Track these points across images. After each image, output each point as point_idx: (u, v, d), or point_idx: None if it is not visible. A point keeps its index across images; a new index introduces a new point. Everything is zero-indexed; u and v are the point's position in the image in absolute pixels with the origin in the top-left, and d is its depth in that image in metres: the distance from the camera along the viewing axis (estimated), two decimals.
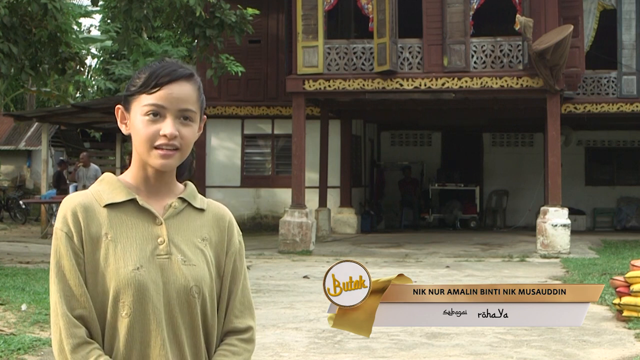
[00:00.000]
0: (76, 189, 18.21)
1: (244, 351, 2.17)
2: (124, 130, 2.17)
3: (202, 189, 19.63)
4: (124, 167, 21.98)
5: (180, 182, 2.25)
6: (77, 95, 29.28)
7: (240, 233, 2.28)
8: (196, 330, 2.11)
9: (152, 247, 2.09)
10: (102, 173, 2.32)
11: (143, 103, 2.10)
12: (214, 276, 2.16)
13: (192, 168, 2.32)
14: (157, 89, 2.09)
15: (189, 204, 2.19)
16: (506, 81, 16.16)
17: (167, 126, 2.08)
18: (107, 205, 2.10)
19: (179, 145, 2.10)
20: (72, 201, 2.11)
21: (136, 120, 2.11)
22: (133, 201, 2.12)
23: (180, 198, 2.18)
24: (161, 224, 2.12)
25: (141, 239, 2.09)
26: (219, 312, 2.17)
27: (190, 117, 2.13)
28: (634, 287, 8.36)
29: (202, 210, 2.21)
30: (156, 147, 2.09)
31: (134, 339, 2.04)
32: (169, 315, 2.08)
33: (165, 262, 2.09)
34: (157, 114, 2.09)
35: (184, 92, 2.12)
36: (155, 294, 2.06)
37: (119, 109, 2.19)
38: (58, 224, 2.09)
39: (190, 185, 2.25)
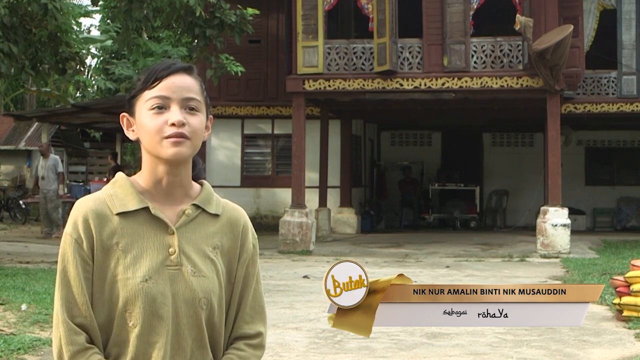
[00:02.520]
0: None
1: (251, 356, 2.15)
2: (131, 136, 2.15)
3: None
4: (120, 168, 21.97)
5: (196, 182, 2.21)
6: (77, 95, 29.26)
7: (255, 236, 2.25)
8: (203, 342, 2.10)
9: (163, 258, 2.07)
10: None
11: (146, 98, 2.09)
12: (224, 285, 2.13)
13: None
14: (157, 82, 2.09)
15: (203, 210, 2.15)
16: (506, 81, 16.15)
17: (174, 114, 2.07)
18: (119, 214, 2.08)
19: (188, 135, 2.07)
20: (84, 206, 2.08)
21: (142, 117, 2.10)
22: (145, 209, 2.09)
23: (194, 204, 2.14)
24: (173, 233, 2.09)
25: (152, 248, 2.07)
26: (228, 318, 2.15)
27: (196, 106, 2.11)
28: (634, 287, 8.36)
29: (216, 215, 2.17)
30: (166, 138, 2.06)
31: (139, 350, 2.03)
32: (176, 326, 2.06)
33: (175, 273, 2.07)
34: (162, 106, 2.08)
35: (186, 82, 2.11)
36: (162, 305, 2.04)
37: (123, 116, 2.16)
38: (68, 228, 2.06)
39: (207, 187, 2.21)
